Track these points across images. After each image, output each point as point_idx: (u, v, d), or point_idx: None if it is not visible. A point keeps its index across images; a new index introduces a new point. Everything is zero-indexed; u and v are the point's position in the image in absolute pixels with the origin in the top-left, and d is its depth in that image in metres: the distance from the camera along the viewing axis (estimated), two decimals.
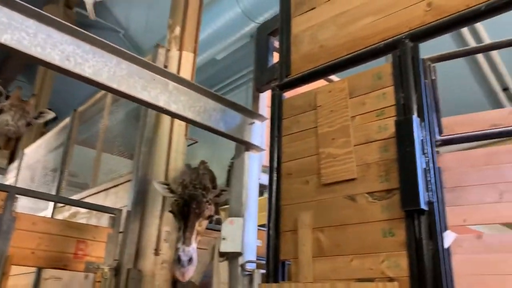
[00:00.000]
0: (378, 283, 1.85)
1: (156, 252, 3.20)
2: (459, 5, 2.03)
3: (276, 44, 2.91)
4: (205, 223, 2.82)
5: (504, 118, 3.15)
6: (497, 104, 7.10)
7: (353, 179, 2.10)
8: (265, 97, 2.86)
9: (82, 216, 4.63)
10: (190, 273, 2.57)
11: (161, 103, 2.27)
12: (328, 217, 2.14)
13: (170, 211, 2.90)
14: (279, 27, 2.75)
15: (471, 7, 1.99)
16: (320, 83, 2.69)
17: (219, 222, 4.25)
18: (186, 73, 3.67)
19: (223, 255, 2.40)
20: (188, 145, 3.98)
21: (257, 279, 2.28)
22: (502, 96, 7.06)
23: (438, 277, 1.74)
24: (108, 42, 2.12)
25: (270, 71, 2.73)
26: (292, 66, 2.60)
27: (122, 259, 3.16)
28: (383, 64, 2.23)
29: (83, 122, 5.78)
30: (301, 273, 2.11)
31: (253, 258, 2.39)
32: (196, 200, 2.66)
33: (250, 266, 2.37)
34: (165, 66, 3.66)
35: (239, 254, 2.38)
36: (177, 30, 3.82)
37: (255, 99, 2.84)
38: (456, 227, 2.88)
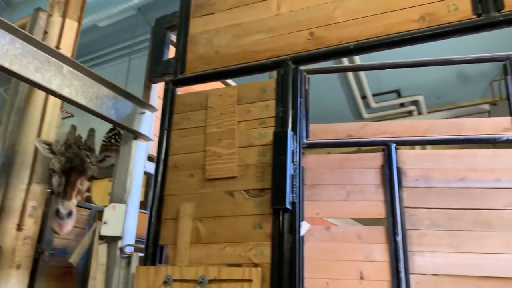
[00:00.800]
0: (244, 268, 2.18)
1: (19, 227, 3.13)
2: (334, 40, 2.43)
3: (173, 38, 3.05)
4: (86, 183, 2.90)
5: (357, 130, 3.76)
6: (357, 111, 8.18)
7: (233, 177, 2.40)
8: (156, 88, 2.99)
9: None
10: (69, 227, 2.64)
11: (53, 86, 2.26)
12: (208, 208, 2.41)
13: (51, 169, 2.91)
14: (178, 24, 2.90)
15: (343, 43, 2.41)
16: (214, 84, 2.92)
17: (89, 199, 4.26)
18: (68, 42, 3.56)
19: (103, 238, 2.51)
20: (63, 118, 3.89)
21: (134, 262, 2.46)
22: (361, 103, 8.16)
23: (293, 263, 2.14)
24: (3, 19, 2.05)
25: (165, 65, 2.86)
26: (187, 65, 2.78)
27: None
28: (269, 79, 2.55)
29: None
30: (178, 257, 2.36)
31: (132, 242, 2.55)
32: (80, 157, 2.74)
33: (128, 250, 2.52)
34: (45, 32, 3.51)
35: (118, 238, 2.52)
36: None
37: (147, 89, 2.95)
38: (311, 219, 3.41)
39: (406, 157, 3.65)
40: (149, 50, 2.98)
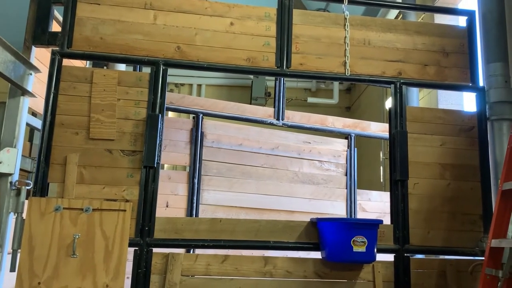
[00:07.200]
0: (120, 202, 3.31)
1: None
2: (193, 57, 3.63)
3: (56, 13, 3.60)
4: None
5: (177, 99, 5.06)
6: None
7: (112, 140, 3.40)
8: (35, 50, 3.52)
9: None
10: None
11: None
12: (91, 160, 3.36)
13: None
14: (65, 4, 3.49)
15: (200, 61, 3.63)
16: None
17: None
18: None
19: None
20: None
21: (23, 193, 3.20)
22: None
23: (153, 200, 3.39)
24: None
25: (52, 36, 3.44)
26: (74, 42, 3.47)
27: None
28: (144, 72, 3.58)
29: None
30: (66, 192, 3.27)
31: (17, 178, 3.25)
32: None
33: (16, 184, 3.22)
34: None
35: (10, 174, 3.18)
36: None
37: (27, 50, 3.45)
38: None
39: (208, 125, 5.21)
40: (34, 18, 3.45)
